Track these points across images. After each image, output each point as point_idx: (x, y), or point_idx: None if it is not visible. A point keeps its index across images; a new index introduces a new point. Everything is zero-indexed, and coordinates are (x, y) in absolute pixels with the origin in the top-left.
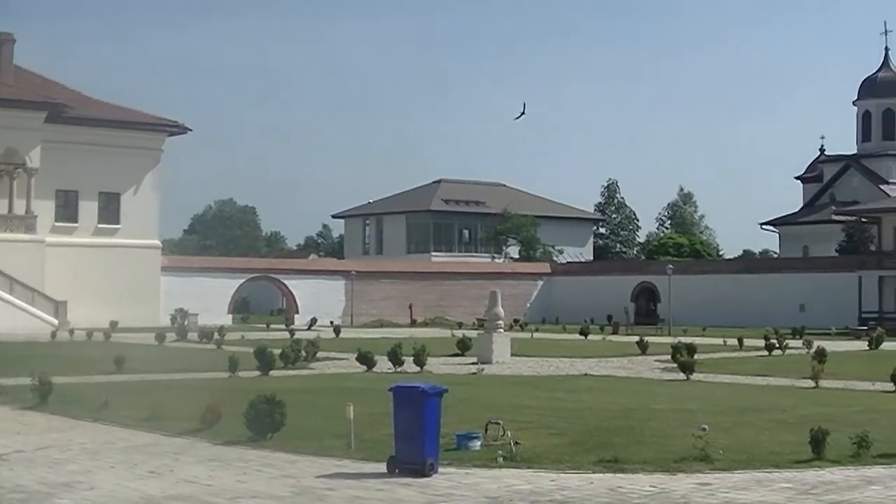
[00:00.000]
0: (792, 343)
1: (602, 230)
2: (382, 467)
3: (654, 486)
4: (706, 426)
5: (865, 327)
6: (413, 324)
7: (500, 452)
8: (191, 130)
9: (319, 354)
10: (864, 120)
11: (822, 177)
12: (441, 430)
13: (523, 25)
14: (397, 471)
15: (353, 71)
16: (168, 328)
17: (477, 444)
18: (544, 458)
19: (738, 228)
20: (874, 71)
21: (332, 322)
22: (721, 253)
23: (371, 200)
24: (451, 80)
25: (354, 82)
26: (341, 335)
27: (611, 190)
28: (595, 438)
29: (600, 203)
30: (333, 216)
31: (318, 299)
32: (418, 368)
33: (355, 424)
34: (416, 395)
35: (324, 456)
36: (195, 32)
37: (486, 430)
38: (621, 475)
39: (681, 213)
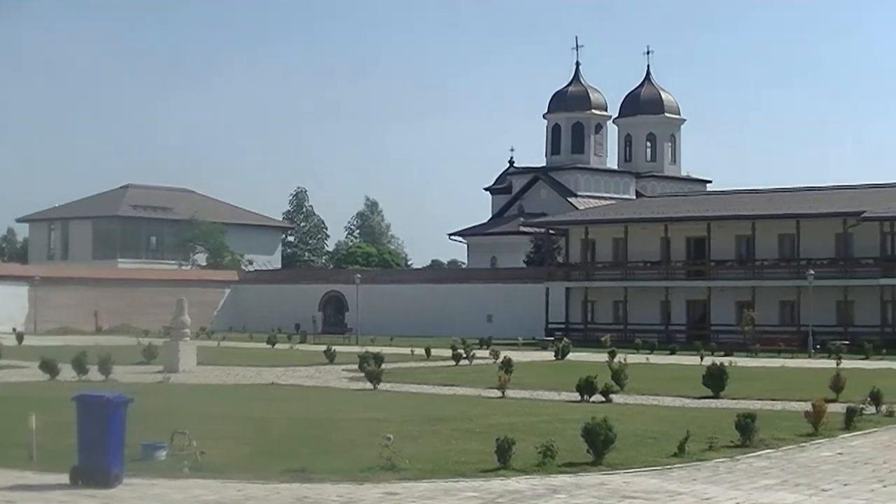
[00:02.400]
0: (479, 353)
1: (291, 238)
2: (66, 478)
3: (340, 496)
4: (391, 435)
5: (552, 338)
6: (99, 331)
7: (186, 462)
8: None
9: (1, 362)
10: (554, 133)
11: (511, 188)
12: (126, 439)
13: (219, 27)
14: (81, 482)
15: (38, 70)
16: None
17: (163, 454)
18: (231, 468)
19: (426, 238)
20: (565, 85)
21: (14, 329)
22: (409, 262)
23: (57, 204)
24: (140, 82)
25: (39, 82)
26: (24, 342)
27: (299, 198)
28: (282, 448)
29: (289, 211)
30: (18, 220)
31: (1, 306)
32: (104, 377)
33: (38, 434)
34: (101, 404)
35: (4, 467)
36: None
37: (172, 439)
38: (308, 485)
39: (369, 223)
